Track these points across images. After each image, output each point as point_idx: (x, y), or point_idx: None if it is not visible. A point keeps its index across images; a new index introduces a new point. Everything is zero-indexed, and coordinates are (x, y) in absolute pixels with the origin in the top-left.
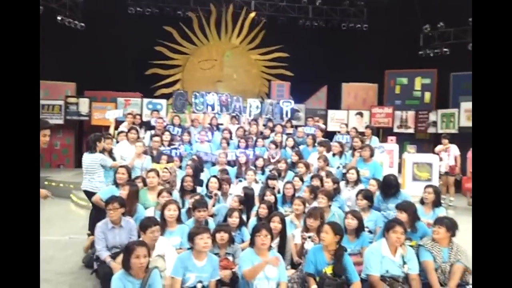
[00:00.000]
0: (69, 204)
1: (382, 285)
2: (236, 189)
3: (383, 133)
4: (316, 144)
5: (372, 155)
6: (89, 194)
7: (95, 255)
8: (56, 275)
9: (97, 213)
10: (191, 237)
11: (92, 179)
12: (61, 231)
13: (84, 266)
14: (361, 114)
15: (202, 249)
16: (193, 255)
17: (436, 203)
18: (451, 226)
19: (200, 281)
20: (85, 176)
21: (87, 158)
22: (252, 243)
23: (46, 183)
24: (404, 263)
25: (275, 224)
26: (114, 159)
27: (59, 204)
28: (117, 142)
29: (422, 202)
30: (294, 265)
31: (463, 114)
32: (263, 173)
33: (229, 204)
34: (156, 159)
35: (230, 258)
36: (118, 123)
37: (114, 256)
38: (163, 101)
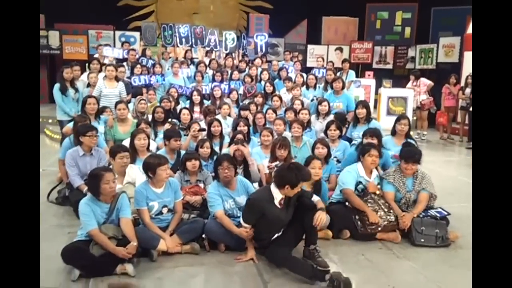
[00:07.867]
0: (43, 139)
1: (356, 197)
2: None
3: (362, 68)
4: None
5: (343, 87)
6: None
7: (67, 183)
8: None
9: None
10: (152, 167)
11: None
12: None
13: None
14: (340, 50)
15: (164, 179)
16: (150, 185)
17: (407, 135)
18: (421, 159)
19: (165, 206)
20: None
21: None
22: (216, 176)
23: None
24: (379, 183)
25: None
26: (76, 90)
27: None
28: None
29: (393, 133)
30: None
31: (441, 50)
32: (237, 106)
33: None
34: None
35: (201, 184)
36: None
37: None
38: (137, 34)
